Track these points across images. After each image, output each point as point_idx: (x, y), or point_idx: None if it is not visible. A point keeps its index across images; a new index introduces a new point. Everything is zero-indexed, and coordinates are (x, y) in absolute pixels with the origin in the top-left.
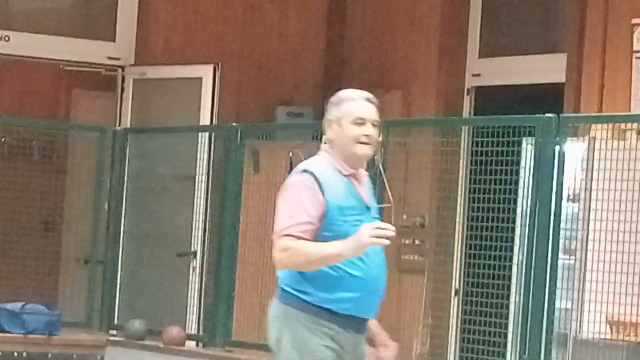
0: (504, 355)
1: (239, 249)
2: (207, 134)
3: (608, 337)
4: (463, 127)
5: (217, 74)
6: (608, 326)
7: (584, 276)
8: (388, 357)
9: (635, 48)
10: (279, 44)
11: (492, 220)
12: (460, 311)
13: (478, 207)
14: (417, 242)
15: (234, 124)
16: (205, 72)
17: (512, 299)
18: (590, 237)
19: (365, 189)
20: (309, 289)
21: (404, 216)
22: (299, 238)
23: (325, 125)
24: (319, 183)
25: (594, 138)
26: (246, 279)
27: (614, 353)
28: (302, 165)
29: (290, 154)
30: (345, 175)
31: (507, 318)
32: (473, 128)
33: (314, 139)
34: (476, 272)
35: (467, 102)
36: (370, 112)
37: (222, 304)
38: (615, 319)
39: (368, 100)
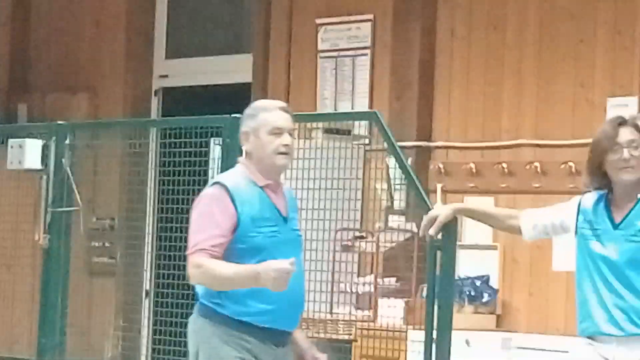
0: None
1: None
2: None
3: None
4: (151, 129)
5: None
6: None
7: None
8: None
9: (320, 48)
10: None
11: (183, 221)
12: (152, 313)
13: (168, 209)
14: (107, 244)
15: None
16: None
17: None
18: None
19: (282, 200)
20: (224, 301)
21: (94, 219)
22: (212, 252)
23: (242, 138)
24: (230, 195)
25: None
26: None
27: None
28: (216, 177)
29: None
30: (260, 187)
31: None
32: (161, 129)
33: (1, 143)
34: (167, 273)
35: (155, 104)
36: (286, 121)
37: None
38: (304, 316)
39: (283, 109)
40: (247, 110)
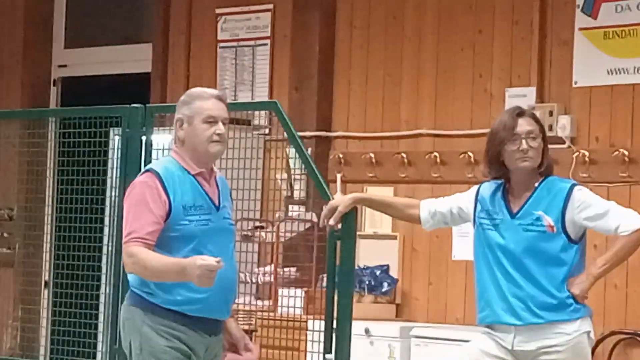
0: (95, 346)
1: None
2: None
3: None
4: (50, 119)
5: None
6: None
7: None
8: None
9: (219, 37)
10: None
11: (82, 212)
12: (51, 303)
13: (67, 199)
14: (5, 234)
15: None
16: None
17: (102, 290)
18: None
19: (214, 189)
20: (154, 290)
21: None
22: (146, 240)
23: (176, 125)
24: (162, 182)
25: None
26: None
27: None
28: (148, 165)
29: None
30: (192, 175)
31: (97, 309)
32: (61, 119)
33: None
34: (67, 263)
35: (54, 93)
36: (221, 110)
37: None
38: None
39: (218, 98)
40: (183, 97)
